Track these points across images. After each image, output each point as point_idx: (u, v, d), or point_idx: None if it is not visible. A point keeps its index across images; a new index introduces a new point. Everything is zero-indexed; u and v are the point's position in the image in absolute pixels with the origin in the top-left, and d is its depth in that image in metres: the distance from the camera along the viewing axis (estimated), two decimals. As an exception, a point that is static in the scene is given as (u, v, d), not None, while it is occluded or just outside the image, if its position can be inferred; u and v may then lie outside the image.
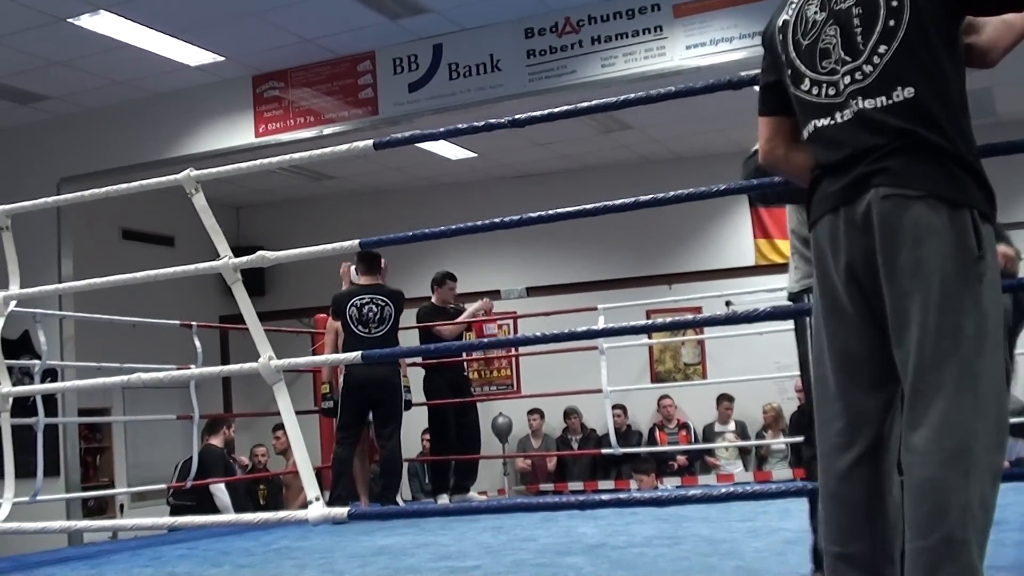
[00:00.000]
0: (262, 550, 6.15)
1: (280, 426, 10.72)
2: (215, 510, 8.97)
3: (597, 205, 3.46)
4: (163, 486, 9.40)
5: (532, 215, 3.64)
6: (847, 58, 2.51)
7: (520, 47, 9.07)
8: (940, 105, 2.43)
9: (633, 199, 3.47)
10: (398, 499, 8.09)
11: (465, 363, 9.89)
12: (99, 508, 12.36)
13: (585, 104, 3.53)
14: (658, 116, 10.94)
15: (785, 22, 2.67)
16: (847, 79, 2.51)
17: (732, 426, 11.97)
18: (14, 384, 4.75)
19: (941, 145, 2.40)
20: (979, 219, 2.38)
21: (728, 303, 10.43)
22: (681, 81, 8.24)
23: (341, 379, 8.07)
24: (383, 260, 8.23)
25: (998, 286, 2.43)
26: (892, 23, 2.45)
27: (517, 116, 3.59)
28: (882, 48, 2.46)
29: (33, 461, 6.64)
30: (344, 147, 3.85)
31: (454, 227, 3.84)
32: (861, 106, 2.48)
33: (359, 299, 7.92)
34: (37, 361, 7.32)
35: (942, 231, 2.36)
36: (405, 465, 9.16)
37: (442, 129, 3.92)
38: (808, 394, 3.18)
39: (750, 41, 8.31)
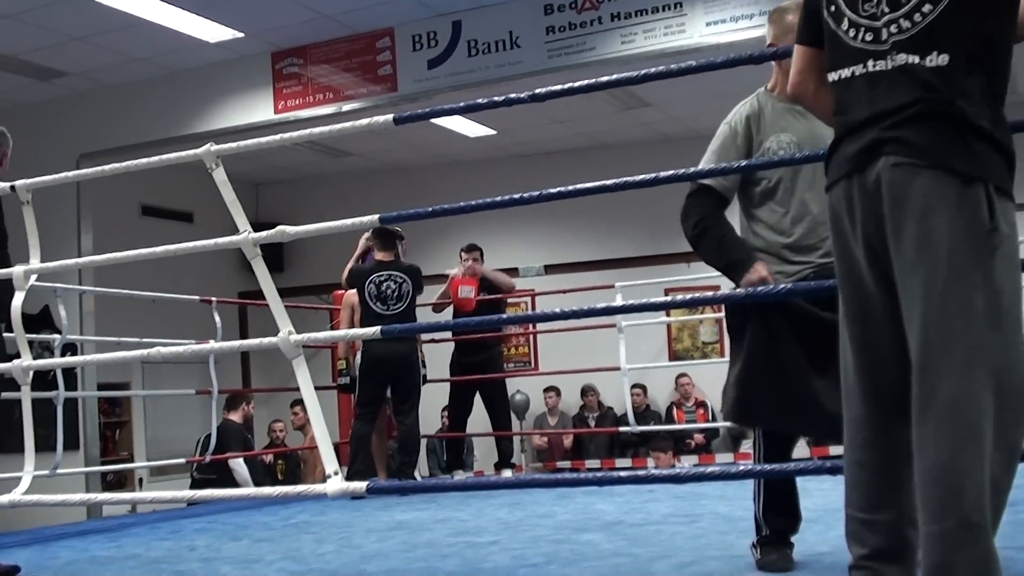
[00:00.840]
0: (280, 524, 6.19)
1: (298, 401, 10.76)
2: (236, 484, 9.02)
3: (617, 181, 3.45)
4: (182, 460, 9.45)
5: (551, 191, 3.63)
6: (888, 8, 2.44)
7: (539, 24, 9.04)
8: (975, 75, 2.37)
9: (652, 175, 3.47)
10: (416, 475, 8.11)
11: (499, 341, 9.89)
12: (118, 482, 12.43)
13: (605, 79, 3.52)
14: (677, 93, 10.89)
15: None
16: (886, 30, 2.44)
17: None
18: (34, 358, 4.77)
19: (963, 115, 2.35)
20: (994, 193, 2.33)
21: (746, 281, 10.40)
22: (701, 58, 8.21)
23: (359, 355, 8.08)
24: (404, 239, 8.23)
25: (1016, 260, 2.38)
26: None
27: (537, 91, 3.58)
28: (927, 7, 2.39)
29: (53, 435, 6.68)
30: (364, 122, 3.84)
31: (473, 203, 3.84)
32: (893, 61, 2.43)
33: (378, 276, 7.93)
34: (57, 335, 7.37)
35: (952, 203, 2.31)
36: (424, 441, 9.17)
37: (462, 104, 3.90)
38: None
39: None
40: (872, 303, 2.49)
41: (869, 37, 2.47)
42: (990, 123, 2.37)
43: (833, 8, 2.56)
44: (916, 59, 2.40)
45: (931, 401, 2.30)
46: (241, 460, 9.44)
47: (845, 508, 2.58)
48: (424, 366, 8.50)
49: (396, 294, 7.95)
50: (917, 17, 2.40)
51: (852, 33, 2.50)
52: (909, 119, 2.38)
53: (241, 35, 9.66)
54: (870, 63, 2.46)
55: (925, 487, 2.30)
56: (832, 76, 2.57)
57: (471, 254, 9.07)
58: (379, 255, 8.12)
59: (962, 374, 2.27)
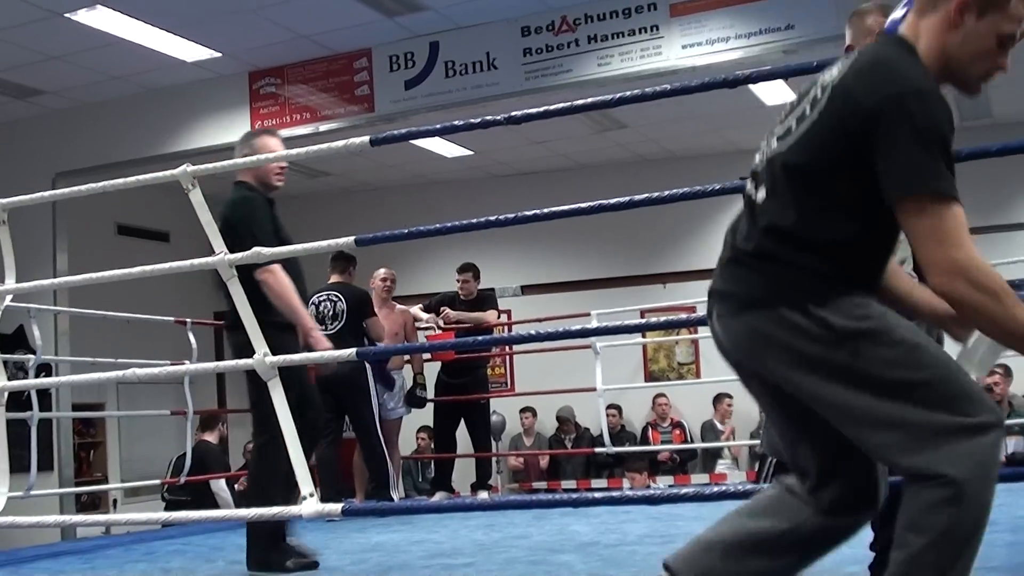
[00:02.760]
0: (255, 546, 6.16)
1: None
2: (211, 506, 8.98)
3: (592, 204, 3.47)
4: (157, 482, 9.42)
5: (527, 213, 3.65)
6: (767, 144, 2.51)
7: (516, 45, 9.08)
8: (792, 215, 2.36)
9: (628, 198, 3.48)
10: (393, 494, 8.04)
11: (484, 362, 9.91)
12: (92, 503, 12.35)
13: (581, 101, 3.54)
14: (654, 115, 10.95)
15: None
16: (756, 163, 2.52)
17: (731, 425, 11.95)
18: (8, 379, 4.75)
19: (768, 251, 2.37)
20: (815, 307, 2.30)
21: (722, 302, 10.44)
22: (677, 80, 8.26)
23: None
24: (348, 262, 8.27)
25: (890, 332, 2.32)
26: (789, 128, 2.44)
27: (513, 113, 3.60)
28: (775, 145, 2.45)
29: (27, 455, 6.65)
30: (341, 143, 3.86)
31: (449, 224, 3.85)
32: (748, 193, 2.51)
33: (317, 296, 7.99)
34: (32, 356, 7.34)
35: (774, 339, 2.34)
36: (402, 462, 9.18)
37: (438, 125, 3.92)
38: None
39: (746, 41, 8.33)
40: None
41: (754, 169, 2.55)
42: (798, 252, 2.35)
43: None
44: (750, 189, 2.49)
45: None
46: (223, 483, 9.42)
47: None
48: (424, 388, 8.65)
49: (331, 313, 7.97)
50: (771, 152, 2.46)
51: (755, 160, 2.57)
52: (725, 264, 2.48)
53: (219, 55, 9.66)
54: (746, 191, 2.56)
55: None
56: None
57: (463, 275, 9.10)
58: (330, 278, 8.20)
59: (871, 431, 2.30)
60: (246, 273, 4.52)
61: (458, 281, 9.11)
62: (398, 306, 8.74)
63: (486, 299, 9.28)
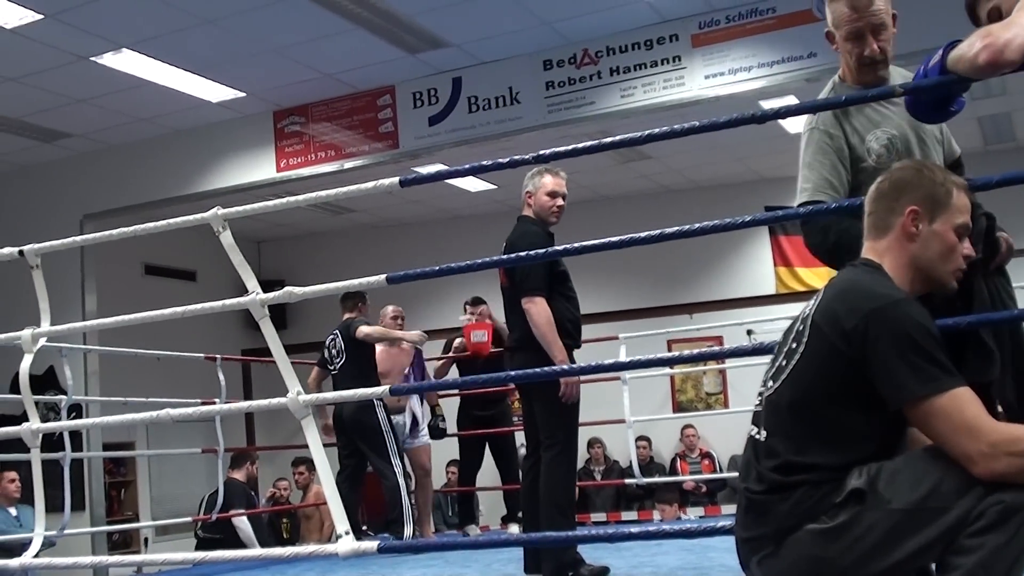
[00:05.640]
0: (288, 583, 6.17)
1: (301, 460, 10.77)
2: (239, 543, 8.98)
3: (623, 238, 3.47)
4: (187, 519, 9.43)
5: (558, 248, 3.66)
6: (762, 384, 2.60)
7: (539, 79, 9.12)
8: (795, 453, 2.42)
9: (659, 231, 3.48)
10: (406, 529, 7.83)
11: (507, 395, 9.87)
12: (124, 542, 12.38)
13: (610, 139, 3.54)
14: (677, 146, 10.97)
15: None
16: (759, 403, 2.59)
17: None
18: (40, 420, 4.78)
19: (780, 487, 2.42)
20: (834, 514, 2.35)
21: (750, 332, 10.43)
22: (700, 111, 8.31)
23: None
24: (358, 298, 8.27)
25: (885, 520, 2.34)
26: (783, 364, 2.53)
27: (542, 152, 3.62)
28: (769, 384, 2.55)
29: (60, 495, 6.68)
30: (370, 184, 3.88)
31: (479, 261, 3.87)
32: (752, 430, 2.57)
33: (328, 337, 8.12)
34: (63, 396, 7.38)
35: (817, 551, 2.36)
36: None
37: (467, 166, 3.93)
38: None
39: (768, 70, 8.35)
40: None
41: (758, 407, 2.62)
42: (812, 486, 2.39)
43: None
44: (753, 431, 2.55)
45: None
46: (245, 519, 9.42)
47: None
48: (443, 420, 8.66)
49: (334, 352, 8.05)
50: (767, 392, 2.56)
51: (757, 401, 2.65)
52: (746, 511, 2.52)
53: (243, 95, 9.74)
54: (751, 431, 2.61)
55: None
56: None
57: (476, 308, 9.07)
58: (342, 315, 8.26)
59: None
60: (517, 299, 5.27)
61: (472, 315, 9.09)
62: (406, 344, 8.63)
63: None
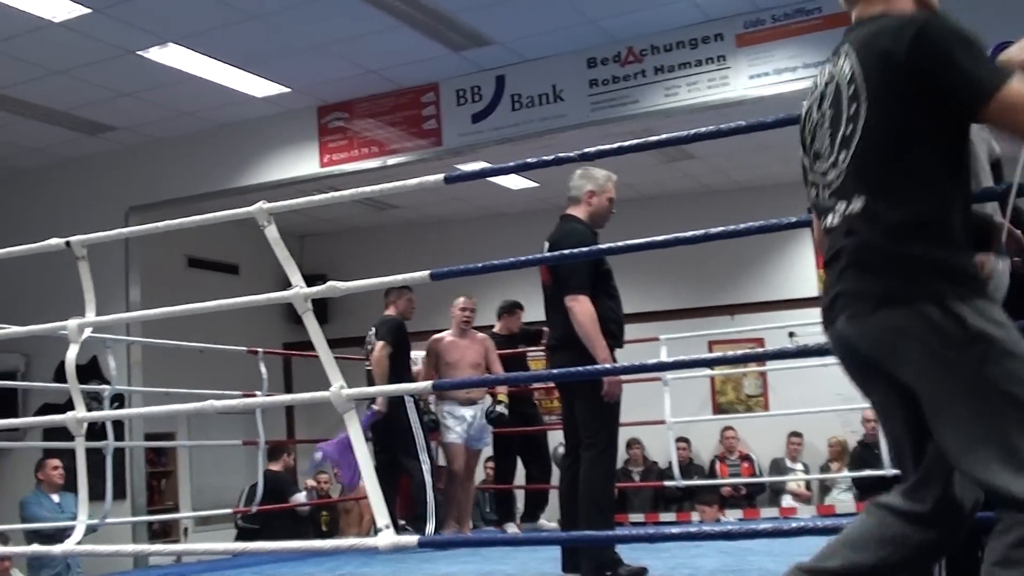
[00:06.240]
0: (326, 575, 6.20)
1: (342, 454, 10.79)
2: (278, 534, 9.03)
3: (667, 237, 3.47)
4: (227, 510, 9.49)
5: (601, 246, 3.65)
6: (827, 162, 2.54)
7: (583, 77, 9.11)
8: (899, 207, 2.39)
9: (703, 231, 3.47)
10: (429, 527, 7.75)
11: (533, 393, 9.85)
12: (163, 531, 12.48)
13: (655, 138, 3.54)
14: (721, 146, 10.91)
15: (802, 115, 2.74)
16: (828, 188, 2.55)
17: (800, 466, 11.81)
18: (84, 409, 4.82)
19: (894, 250, 2.38)
20: (956, 302, 2.31)
21: (792, 334, 10.36)
22: (744, 111, 8.26)
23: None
24: (395, 293, 8.25)
25: (1008, 347, 2.30)
26: (850, 129, 2.47)
27: (587, 150, 3.62)
28: (843, 155, 2.49)
29: (101, 484, 6.73)
30: (415, 181, 3.89)
31: (523, 259, 3.87)
32: (834, 214, 2.53)
33: (369, 330, 8.14)
34: (106, 386, 7.45)
35: (913, 335, 2.33)
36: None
37: (511, 164, 3.94)
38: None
39: (813, 71, 8.17)
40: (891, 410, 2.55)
41: (826, 194, 2.57)
42: (930, 243, 2.37)
43: (803, 171, 2.72)
44: (844, 205, 2.48)
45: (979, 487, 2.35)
46: (302, 497, 9.65)
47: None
48: (505, 405, 8.33)
49: (369, 346, 8.08)
50: (840, 165, 2.50)
51: (815, 192, 2.63)
52: (848, 267, 2.46)
53: (288, 90, 9.79)
54: (829, 217, 2.56)
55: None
56: (824, 226, 2.66)
57: (512, 315, 9.10)
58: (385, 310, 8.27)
59: (999, 471, 2.25)
60: (561, 297, 5.23)
61: (517, 318, 9.10)
62: (478, 334, 8.52)
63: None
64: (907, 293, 2.34)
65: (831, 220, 2.53)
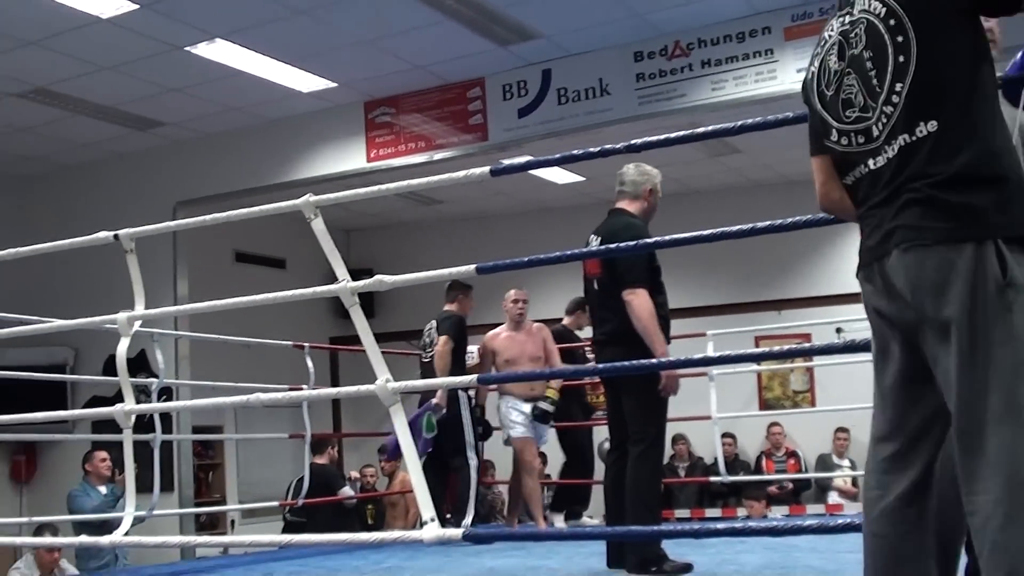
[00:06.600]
0: (371, 568, 6.22)
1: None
2: (324, 527, 9.06)
3: (715, 231, 3.45)
4: (274, 503, 9.55)
5: (648, 241, 3.64)
6: (871, 103, 2.51)
7: (629, 71, 9.07)
8: (966, 131, 2.40)
9: (751, 226, 3.45)
10: (467, 520, 7.77)
11: (587, 389, 9.81)
12: (210, 523, 12.57)
13: (702, 130, 3.52)
14: (768, 140, 10.80)
15: (812, 73, 2.71)
16: (875, 127, 2.51)
17: (847, 462, 11.72)
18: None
19: (956, 182, 2.38)
20: (1005, 246, 2.34)
21: (839, 330, 10.28)
22: (792, 104, 8.13)
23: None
24: (460, 291, 8.27)
25: None
26: (902, 59, 2.45)
27: (633, 141, 3.60)
28: (898, 86, 2.46)
29: (149, 476, 6.79)
30: (461, 174, 3.89)
31: (569, 252, 3.86)
32: (885, 153, 2.50)
33: (427, 325, 8.20)
34: (154, 379, 7.51)
35: (962, 271, 2.34)
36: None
37: (557, 155, 3.94)
38: None
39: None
40: (901, 377, 2.56)
41: (861, 139, 2.55)
42: (987, 180, 2.38)
43: (821, 123, 2.70)
44: (907, 137, 2.45)
45: (976, 459, 2.32)
46: (348, 490, 9.73)
47: None
48: (547, 401, 8.08)
49: (428, 340, 8.11)
50: (895, 99, 2.47)
51: (845, 141, 2.61)
52: (907, 204, 2.44)
53: (334, 85, 9.82)
54: (869, 162, 2.54)
55: (981, 542, 2.30)
56: (846, 181, 2.68)
57: (575, 312, 9.04)
58: (444, 306, 8.29)
59: (1001, 424, 2.28)
60: (615, 291, 5.22)
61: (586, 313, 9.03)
62: (534, 326, 8.25)
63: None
64: (968, 231, 2.35)
65: (875, 162, 2.52)
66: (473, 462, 7.85)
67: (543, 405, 8.03)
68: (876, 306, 2.57)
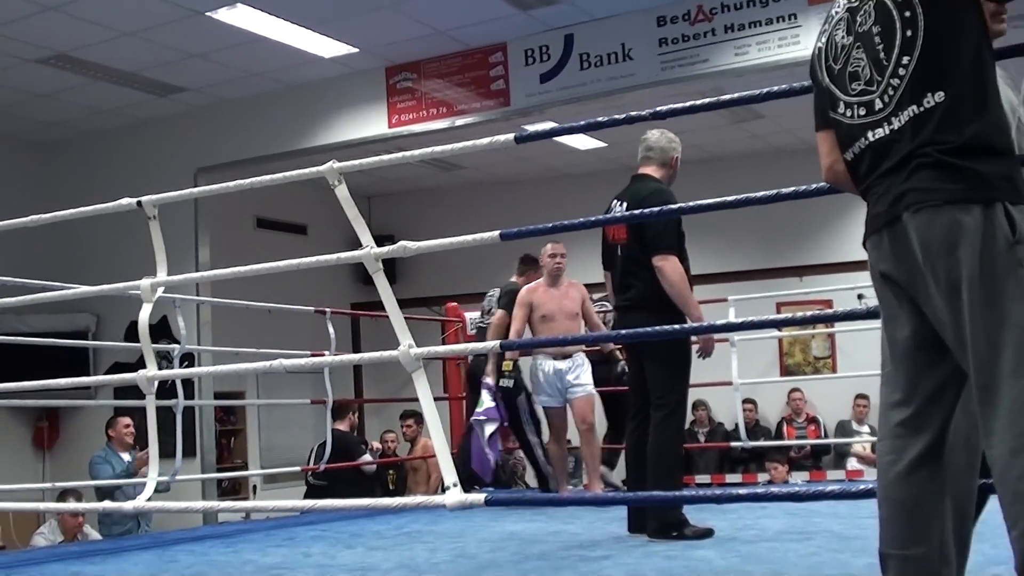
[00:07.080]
0: (394, 533, 6.26)
1: (408, 413, 10.88)
2: (346, 492, 9.12)
3: (739, 197, 3.44)
4: (296, 468, 9.60)
5: (672, 207, 3.63)
6: (877, 77, 2.56)
7: (652, 36, 9.02)
8: (972, 103, 2.45)
9: (775, 191, 3.44)
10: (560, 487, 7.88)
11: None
12: (233, 488, 12.66)
13: (727, 96, 3.50)
14: (791, 106, 10.60)
15: (819, 49, 2.77)
16: (879, 100, 2.56)
17: (867, 428, 11.70)
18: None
19: (963, 148, 2.42)
20: (1012, 208, 2.39)
21: (860, 296, 10.23)
22: (816, 70, 8.14)
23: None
24: (528, 263, 8.31)
25: None
26: (910, 33, 2.50)
27: (659, 108, 3.58)
28: (905, 59, 2.50)
29: (172, 442, 6.83)
30: (485, 141, 3.87)
31: (592, 219, 3.85)
32: (890, 124, 2.54)
33: (489, 292, 8.42)
34: (176, 345, 7.54)
35: (971, 230, 2.37)
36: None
37: (583, 122, 3.91)
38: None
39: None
40: (914, 336, 2.59)
41: (863, 111, 2.60)
42: (995, 151, 2.45)
43: (828, 97, 2.72)
44: (915, 108, 2.49)
45: (993, 412, 2.35)
46: (367, 457, 9.87)
47: (879, 545, 2.65)
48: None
49: (487, 308, 8.37)
50: (901, 71, 2.51)
51: (850, 113, 2.64)
52: (917, 168, 2.47)
53: (356, 50, 9.79)
54: (869, 134, 2.59)
55: (1004, 493, 2.34)
56: (847, 156, 2.70)
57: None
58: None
59: (1016, 377, 2.33)
60: (642, 257, 5.26)
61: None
62: (572, 282, 7.84)
63: None
64: (977, 193, 2.40)
65: (874, 134, 2.56)
66: (535, 438, 8.08)
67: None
68: (884, 270, 2.59)
